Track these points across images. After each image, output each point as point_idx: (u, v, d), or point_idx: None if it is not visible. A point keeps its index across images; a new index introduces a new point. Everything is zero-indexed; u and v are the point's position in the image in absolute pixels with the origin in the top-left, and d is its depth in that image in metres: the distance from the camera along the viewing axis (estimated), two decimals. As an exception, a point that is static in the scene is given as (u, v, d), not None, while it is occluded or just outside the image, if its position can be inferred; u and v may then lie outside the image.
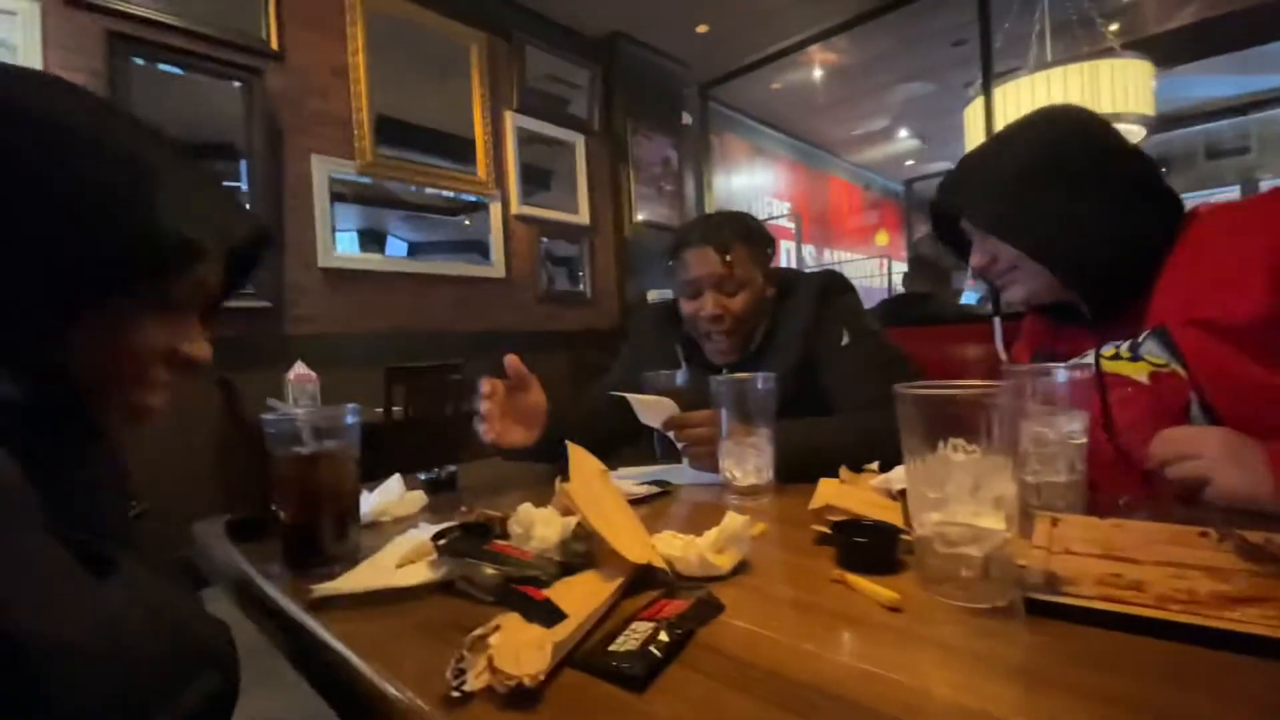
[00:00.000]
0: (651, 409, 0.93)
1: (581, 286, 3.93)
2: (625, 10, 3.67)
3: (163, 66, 2.38)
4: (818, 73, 4.64)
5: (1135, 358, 0.77)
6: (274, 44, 2.61)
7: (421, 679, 0.40)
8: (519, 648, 0.40)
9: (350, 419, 0.62)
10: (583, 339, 3.85)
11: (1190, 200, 0.83)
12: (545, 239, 3.70)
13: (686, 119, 4.42)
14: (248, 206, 2.55)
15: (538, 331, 3.64)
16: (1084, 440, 0.65)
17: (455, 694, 0.37)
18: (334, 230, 2.82)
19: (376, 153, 2.93)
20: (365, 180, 2.95)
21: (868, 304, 1.27)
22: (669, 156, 4.32)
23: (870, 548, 0.52)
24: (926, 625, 0.43)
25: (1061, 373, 0.66)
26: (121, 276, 0.41)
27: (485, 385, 0.92)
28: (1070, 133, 0.83)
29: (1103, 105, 2.16)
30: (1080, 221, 0.77)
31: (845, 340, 1.02)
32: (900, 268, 7.22)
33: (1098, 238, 0.77)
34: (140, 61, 2.31)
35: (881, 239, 7.65)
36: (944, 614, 0.44)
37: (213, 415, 2.40)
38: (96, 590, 0.35)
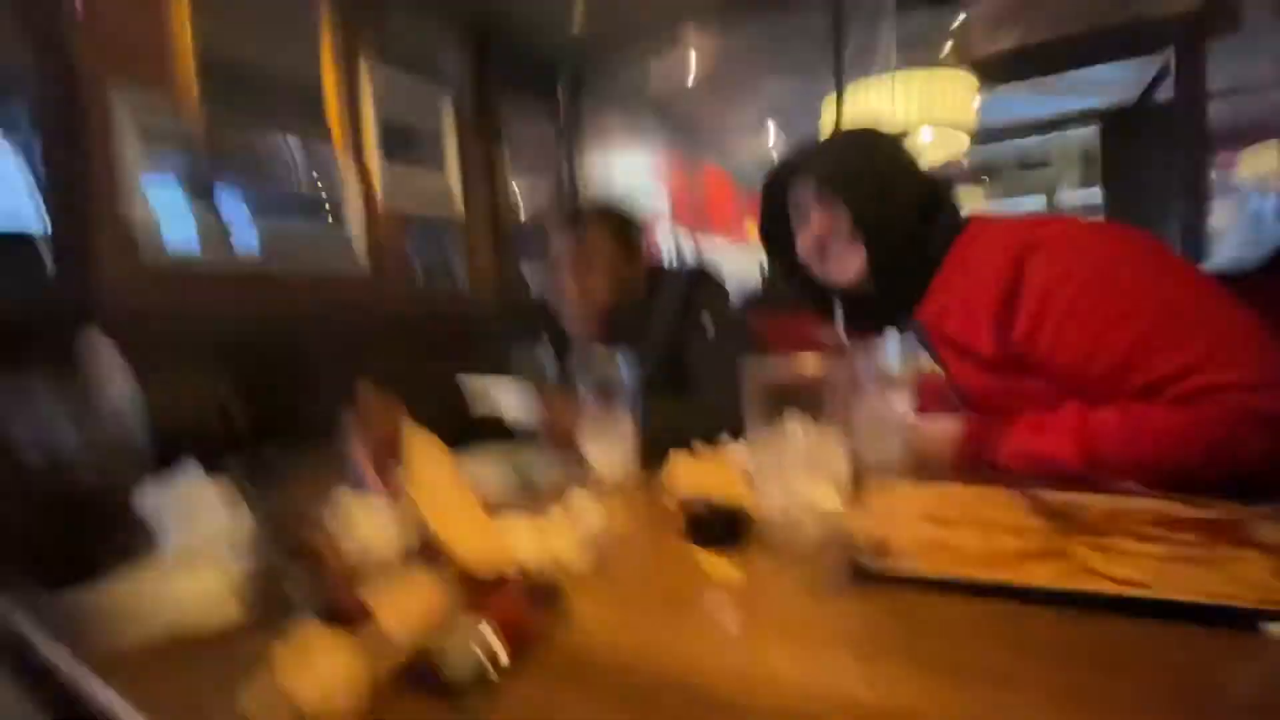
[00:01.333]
0: (509, 394, 0.88)
1: (456, 277, 3.69)
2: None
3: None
4: (694, 55, 4.72)
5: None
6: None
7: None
8: (319, 674, 0.34)
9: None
10: (460, 333, 3.64)
11: (997, 208, 0.94)
12: (414, 227, 3.42)
13: (561, 95, 4.30)
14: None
15: (411, 329, 3.38)
16: (912, 415, 0.70)
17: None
18: (140, 183, 2.40)
19: (202, 104, 2.52)
20: (184, 127, 2.53)
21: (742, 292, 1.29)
22: (546, 136, 4.18)
23: (715, 524, 0.52)
24: (769, 601, 0.43)
25: (892, 347, 0.70)
26: None
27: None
28: (883, 141, 0.90)
29: (935, 112, 2.40)
30: (898, 208, 0.84)
31: (709, 327, 1.04)
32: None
33: (908, 229, 0.84)
34: None
35: (752, 229, 8.03)
36: (786, 588, 0.44)
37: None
38: None
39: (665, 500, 0.61)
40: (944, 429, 0.76)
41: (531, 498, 0.75)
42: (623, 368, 0.79)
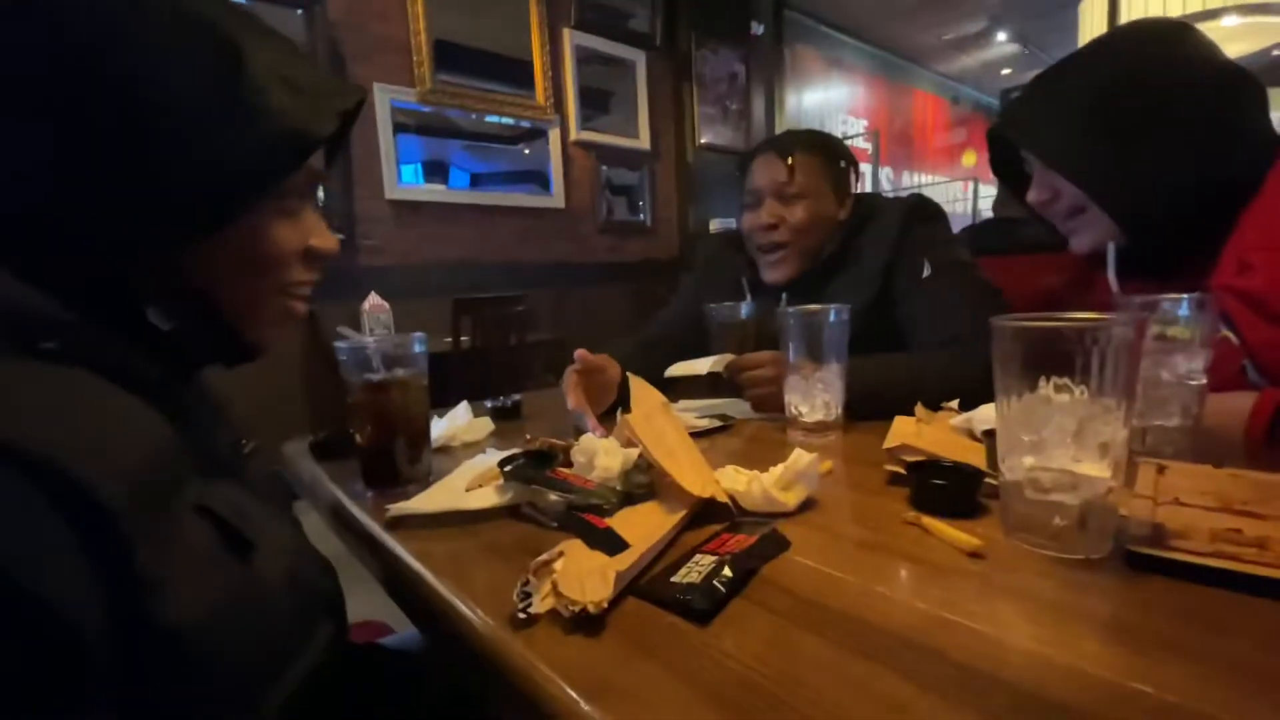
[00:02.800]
0: (711, 368, 0.89)
1: (642, 216, 3.84)
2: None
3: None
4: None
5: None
6: (332, -33, 2.56)
7: (490, 598, 0.41)
8: (583, 574, 0.40)
9: (418, 347, 0.63)
10: (644, 270, 3.80)
11: None
12: (605, 166, 3.60)
13: (757, 29, 4.09)
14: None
15: (598, 263, 3.62)
16: (1203, 381, 0.58)
17: (521, 615, 0.38)
18: (399, 162, 2.84)
19: (436, 79, 2.88)
20: (426, 110, 2.92)
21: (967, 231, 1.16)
22: (736, 72, 4.04)
23: (949, 490, 0.49)
24: (1011, 574, 0.40)
25: (1185, 305, 0.58)
26: (243, 181, 0.37)
27: (570, 379, 0.85)
28: (1151, 59, 0.71)
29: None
30: (1149, 166, 0.67)
31: (927, 272, 0.94)
32: (989, 191, 6.65)
33: (1168, 186, 0.67)
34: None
35: (969, 159, 7.03)
36: (1031, 563, 0.41)
37: (295, 344, 2.55)
38: (239, 573, 0.35)
39: (884, 459, 0.59)
40: (1244, 398, 0.62)
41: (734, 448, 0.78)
42: (832, 317, 0.76)
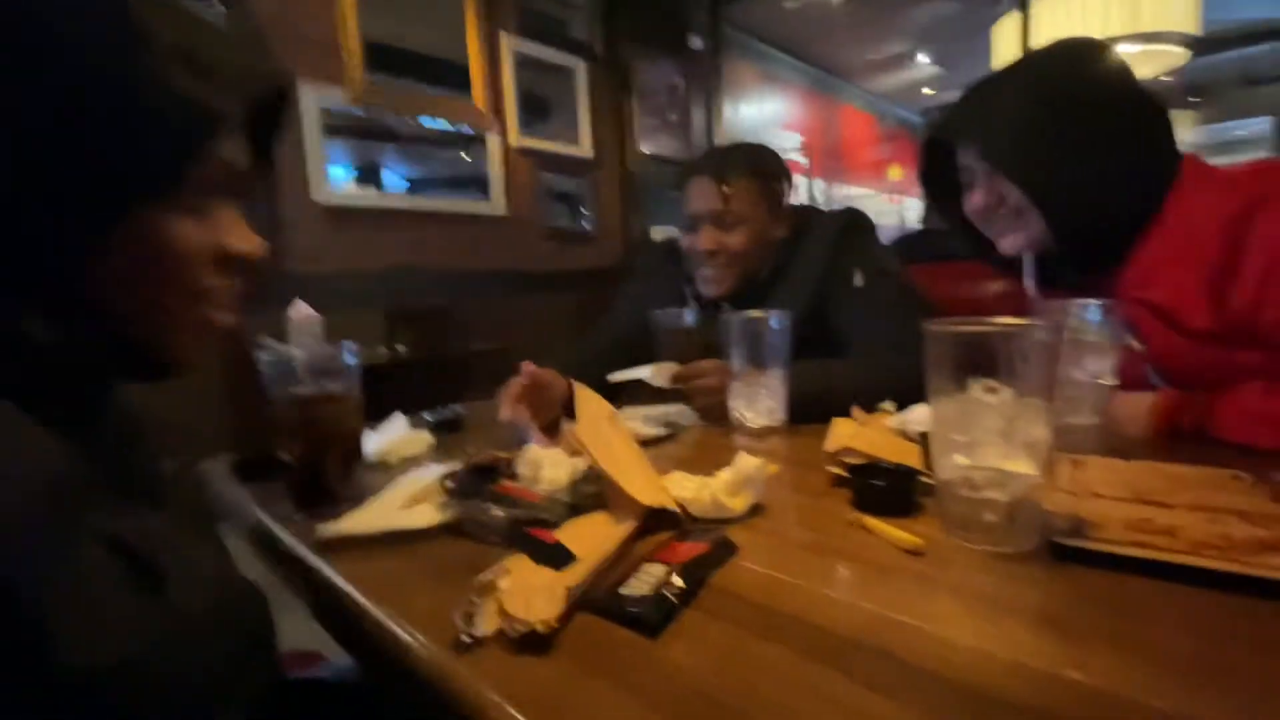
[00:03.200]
0: (655, 374, 0.90)
1: (584, 223, 3.82)
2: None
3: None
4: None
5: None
6: (253, -41, 2.44)
7: (431, 621, 0.39)
8: (530, 592, 0.39)
9: (349, 358, 0.60)
10: (587, 277, 3.78)
11: (1218, 130, 0.78)
12: (546, 174, 3.57)
13: (695, 43, 4.17)
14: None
15: (541, 271, 3.57)
16: (1112, 381, 0.63)
17: (466, 639, 0.36)
18: (327, 164, 2.72)
19: (366, 80, 2.78)
20: (358, 113, 2.81)
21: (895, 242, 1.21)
22: (675, 84, 4.11)
23: (888, 490, 0.51)
24: (949, 571, 0.41)
25: (1094, 309, 0.63)
26: (132, 173, 0.33)
27: (509, 397, 0.84)
28: (1084, 74, 0.76)
29: (1143, 23, 1.99)
30: (1084, 176, 0.72)
31: (859, 282, 0.98)
32: (915, 203, 7.01)
33: (1098, 196, 0.72)
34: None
35: (894, 173, 7.40)
36: (967, 559, 0.43)
37: (215, 356, 2.39)
38: (152, 608, 0.32)
39: (825, 462, 0.60)
40: (1144, 397, 0.68)
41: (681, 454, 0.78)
42: (774, 323, 0.78)
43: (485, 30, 3.18)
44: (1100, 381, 0.62)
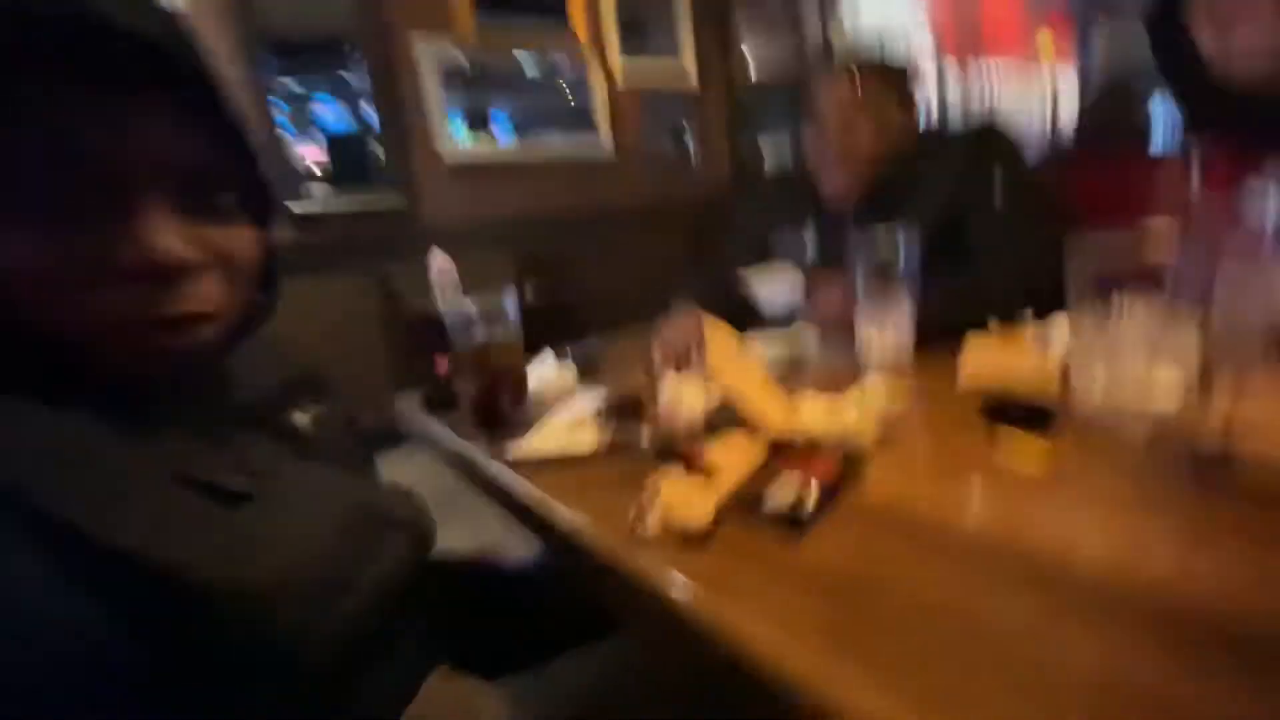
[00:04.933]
0: (775, 283, 0.92)
1: (691, 153, 3.74)
2: None
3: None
4: None
5: None
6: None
7: (605, 521, 0.48)
8: (686, 499, 0.46)
9: (510, 305, 0.70)
10: (694, 208, 3.74)
11: None
12: (651, 107, 3.50)
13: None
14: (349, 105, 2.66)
15: (650, 207, 3.58)
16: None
17: (638, 534, 0.44)
18: (447, 116, 2.87)
19: (474, 22, 2.85)
20: (464, 62, 2.90)
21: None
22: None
23: (1021, 410, 0.52)
24: (1087, 488, 0.43)
25: (1274, 202, 0.56)
26: None
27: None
28: None
29: None
30: None
31: (997, 197, 0.93)
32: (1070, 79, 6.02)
33: None
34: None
35: (1045, 44, 6.34)
36: (1106, 476, 0.44)
37: (374, 307, 2.71)
38: (234, 520, 0.35)
39: (960, 384, 0.62)
40: None
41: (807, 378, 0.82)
42: (898, 242, 0.77)
43: (581, -45, 3.09)
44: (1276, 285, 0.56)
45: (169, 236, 0.34)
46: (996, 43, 6.11)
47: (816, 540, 0.42)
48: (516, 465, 0.62)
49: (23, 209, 0.31)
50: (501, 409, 0.70)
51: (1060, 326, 0.66)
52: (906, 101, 1.03)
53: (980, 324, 0.74)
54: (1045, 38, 6.72)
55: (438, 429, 0.81)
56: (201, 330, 0.37)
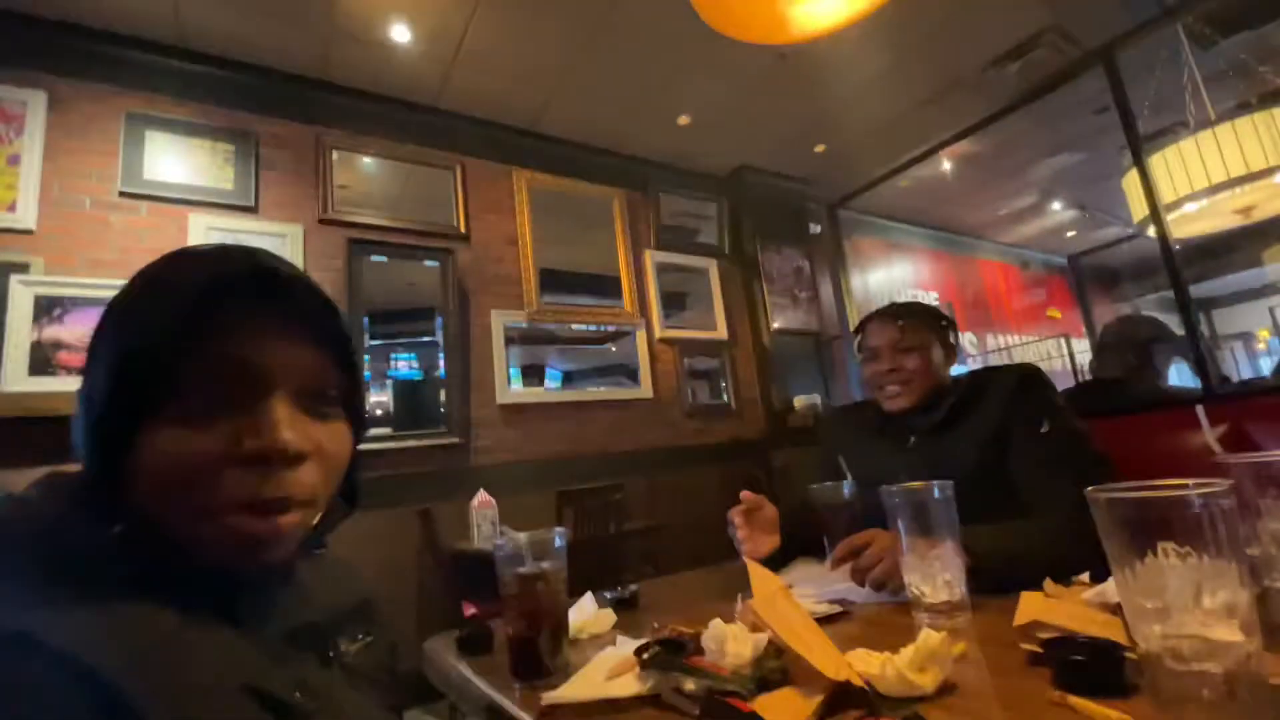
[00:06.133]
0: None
1: (725, 398, 4.01)
2: (745, 147, 4.01)
3: (376, 258, 3.00)
4: (948, 165, 4.61)
5: None
6: (462, 228, 3.21)
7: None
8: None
9: (559, 541, 0.72)
10: (730, 450, 3.87)
11: None
12: (687, 357, 3.89)
13: (815, 229, 4.55)
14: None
15: (686, 446, 3.72)
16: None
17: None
18: (508, 369, 3.22)
19: (540, 301, 3.37)
20: (524, 325, 3.37)
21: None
22: (801, 266, 4.43)
23: (1093, 665, 0.49)
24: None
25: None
26: (126, 390, 0.37)
27: (736, 515, 1.09)
28: None
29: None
30: None
31: (1045, 428, 0.99)
32: (1081, 346, 6.44)
33: None
34: (370, 257, 2.96)
35: (1054, 314, 6.94)
36: (1195, 740, 0.40)
37: (413, 543, 2.72)
38: None
39: (1018, 638, 0.59)
40: None
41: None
42: (937, 494, 0.79)
43: (631, 248, 3.77)
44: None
45: (290, 429, 0.40)
46: (1004, 319, 6.73)
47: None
48: (546, 715, 0.58)
49: (196, 407, 0.38)
50: (540, 652, 0.68)
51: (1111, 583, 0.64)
52: (945, 343, 1.18)
53: (1033, 574, 0.72)
54: (1054, 312, 7.33)
55: (467, 673, 0.77)
56: (295, 514, 0.41)
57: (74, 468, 0.40)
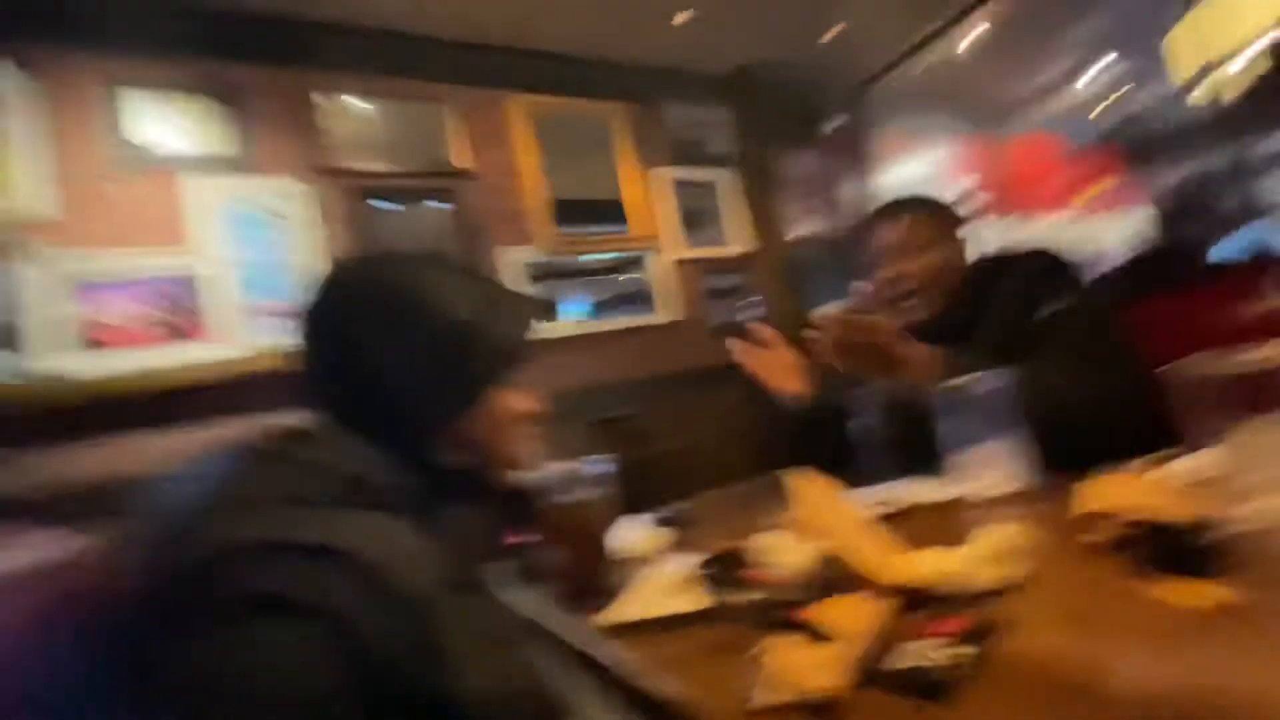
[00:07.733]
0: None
1: (745, 315, 3.93)
2: (753, 39, 3.72)
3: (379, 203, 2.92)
4: (980, 29, 4.20)
5: None
6: (462, 166, 3.10)
7: (710, 693, 0.44)
8: (802, 665, 0.42)
9: (601, 469, 0.71)
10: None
11: None
12: (708, 275, 3.79)
13: (835, 123, 4.28)
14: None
15: (712, 366, 3.70)
16: None
17: (752, 708, 0.40)
18: (529, 308, 3.18)
19: (554, 233, 3.28)
20: (542, 260, 3.30)
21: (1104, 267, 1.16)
22: (820, 166, 4.21)
23: (1183, 545, 0.46)
24: (1274, 628, 0.36)
25: None
26: (496, 374, 0.57)
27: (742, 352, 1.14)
28: None
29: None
30: None
31: (1066, 305, 0.94)
32: (1125, 223, 6.12)
33: None
34: (373, 202, 2.90)
35: (1100, 189, 6.55)
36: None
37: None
38: (519, 655, 0.45)
39: (1084, 526, 0.56)
40: None
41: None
42: (983, 387, 0.75)
43: (640, 168, 3.61)
44: None
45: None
46: (1037, 198, 6.34)
47: (960, 709, 0.36)
48: (609, 633, 0.58)
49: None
50: (593, 574, 0.68)
51: (1183, 464, 0.60)
52: (953, 233, 1.08)
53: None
54: (1094, 190, 6.93)
55: (528, 598, 0.78)
56: None
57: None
